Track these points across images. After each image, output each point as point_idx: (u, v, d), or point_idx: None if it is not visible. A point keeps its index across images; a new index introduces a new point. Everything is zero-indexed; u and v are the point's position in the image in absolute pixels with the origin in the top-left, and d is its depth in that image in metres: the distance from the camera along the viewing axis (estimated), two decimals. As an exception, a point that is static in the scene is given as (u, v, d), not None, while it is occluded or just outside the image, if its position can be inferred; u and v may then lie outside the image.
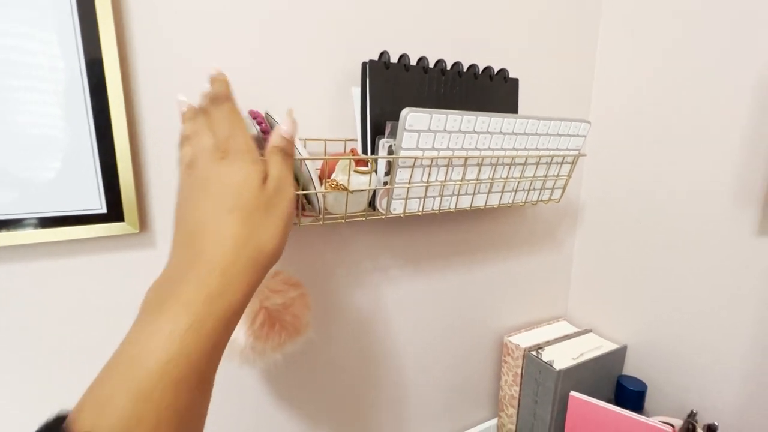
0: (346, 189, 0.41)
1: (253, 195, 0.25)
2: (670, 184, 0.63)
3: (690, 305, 0.62)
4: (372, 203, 0.47)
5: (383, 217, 0.46)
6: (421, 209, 0.49)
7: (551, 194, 0.60)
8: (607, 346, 0.69)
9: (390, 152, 0.45)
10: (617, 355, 0.69)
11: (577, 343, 0.70)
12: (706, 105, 0.58)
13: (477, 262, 0.67)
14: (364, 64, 0.46)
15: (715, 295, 0.59)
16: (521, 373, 0.67)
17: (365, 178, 0.43)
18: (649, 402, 0.66)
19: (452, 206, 0.51)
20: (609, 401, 0.69)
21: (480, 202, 0.53)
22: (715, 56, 0.56)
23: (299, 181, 0.39)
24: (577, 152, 0.58)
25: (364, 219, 0.45)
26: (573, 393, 0.62)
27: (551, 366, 0.62)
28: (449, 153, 0.46)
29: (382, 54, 0.47)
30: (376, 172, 0.45)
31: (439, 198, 0.49)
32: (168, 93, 0.41)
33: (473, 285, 0.68)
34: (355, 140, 0.50)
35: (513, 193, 0.55)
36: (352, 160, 0.40)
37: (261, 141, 0.35)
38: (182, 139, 0.28)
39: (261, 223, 0.25)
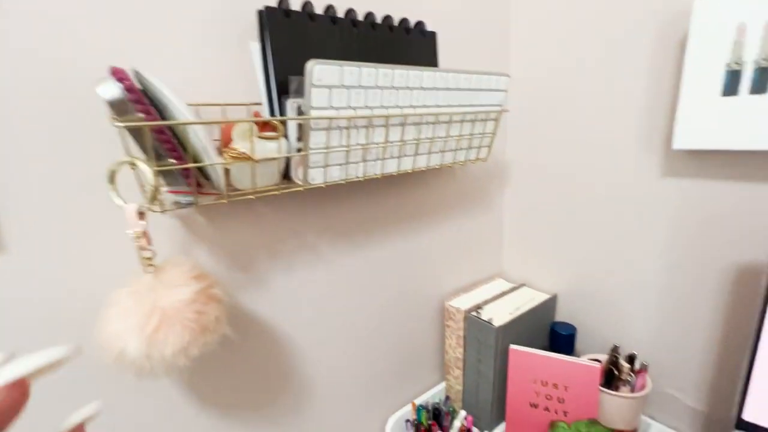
0: (249, 158, 0.35)
1: None
2: (586, 138, 0.65)
3: (608, 251, 0.66)
4: (287, 174, 0.42)
5: (302, 189, 0.41)
6: (344, 177, 0.44)
7: (478, 153, 0.59)
8: (539, 298, 0.72)
9: (300, 113, 0.39)
10: (549, 305, 0.72)
11: (512, 298, 0.72)
12: (613, 59, 0.60)
13: (412, 229, 0.65)
14: (260, 12, 0.40)
15: (629, 239, 0.63)
16: (464, 335, 0.68)
17: (273, 145, 0.37)
18: (579, 343, 0.70)
19: (378, 172, 0.47)
20: (544, 348, 0.72)
21: (407, 165, 0.50)
22: (620, 12, 0.58)
23: (188, 150, 0.33)
24: (499, 108, 0.57)
25: (279, 192, 0.40)
26: (512, 346, 0.63)
27: (490, 324, 0.63)
28: (368, 112, 0.42)
29: (281, 0, 0.41)
30: (286, 137, 0.40)
31: (363, 164, 0.45)
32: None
33: (410, 254, 0.66)
34: (262, 105, 0.44)
35: (440, 154, 0.53)
36: (253, 124, 0.35)
37: (125, 102, 0.28)
38: None
39: None
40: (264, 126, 0.38)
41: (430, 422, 0.65)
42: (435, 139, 0.50)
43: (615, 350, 0.64)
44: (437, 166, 0.54)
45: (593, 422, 0.58)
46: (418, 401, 0.68)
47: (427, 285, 0.70)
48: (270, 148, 0.37)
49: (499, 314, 0.66)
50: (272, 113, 0.41)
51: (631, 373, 0.59)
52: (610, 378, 0.60)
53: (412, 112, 0.46)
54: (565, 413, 0.61)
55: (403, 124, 0.46)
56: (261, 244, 0.49)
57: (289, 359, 0.54)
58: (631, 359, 0.60)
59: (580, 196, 0.68)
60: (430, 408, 0.69)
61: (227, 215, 0.45)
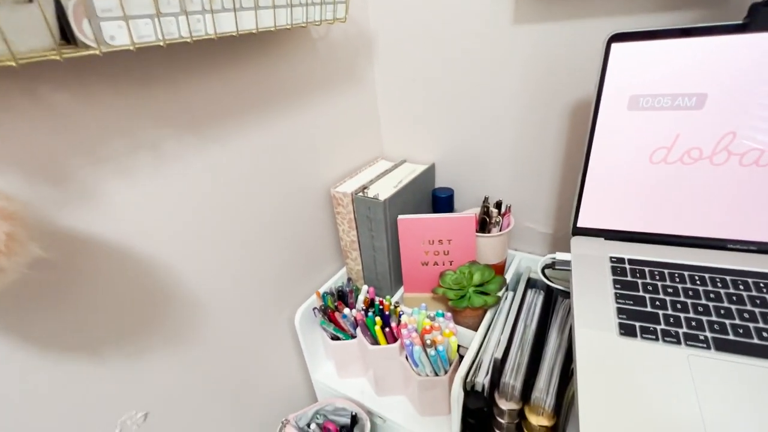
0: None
1: None
2: (445, -10, 0.62)
3: (473, 112, 0.69)
4: (66, 32, 0.30)
5: (99, 53, 0.30)
6: (160, 37, 0.34)
7: (334, 10, 0.52)
8: (419, 169, 0.74)
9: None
10: (428, 174, 0.76)
11: (395, 174, 0.74)
12: None
13: (279, 113, 0.57)
14: None
15: (489, 96, 0.66)
16: (354, 217, 0.68)
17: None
18: (457, 203, 0.77)
19: (210, 30, 0.37)
20: (428, 213, 0.78)
21: (248, 23, 0.41)
22: None
23: None
24: (349, -51, 0.48)
25: (60, 58, 0.29)
26: (400, 216, 0.66)
27: (377, 199, 0.63)
28: (168, -66, 0.31)
29: None
30: (41, -32, 0.27)
31: (184, 16, 0.35)
32: None
33: (283, 143, 0.59)
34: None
35: (287, 8, 0.44)
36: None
37: None
38: None
39: None
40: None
41: (336, 303, 0.67)
42: (277, -14, 0.41)
43: (485, 201, 0.71)
44: (287, 26, 0.45)
45: (473, 263, 0.67)
46: (321, 289, 0.69)
47: (309, 176, 0.66)
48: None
49: (384, 190, 0.67)
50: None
51: (499, 216, 0.68)
52: (483, 224, 0.68)
53: (235, -60, 0.35)
54: (450, 263, 0.68)
55: (227, -40, 0.36)
56: (72, 149, 0.37)
57: (161, 280, 0.47)
58: (498, 205, 0.69)
59: (444, 61, 0.67)
60: (334, 292, 0.71)
61: (5, 113, 0.32)
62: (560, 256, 0.55)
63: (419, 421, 0.63)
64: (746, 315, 0.43)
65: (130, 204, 0.42)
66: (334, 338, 0.67)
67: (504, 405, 0.50)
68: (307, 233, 0.68)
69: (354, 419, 0.63)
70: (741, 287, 0.46)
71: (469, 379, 0.52)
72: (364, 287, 0.69)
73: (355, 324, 0.64)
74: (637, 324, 0.45)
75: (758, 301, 0.44)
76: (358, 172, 0.75)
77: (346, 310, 0.64)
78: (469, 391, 0.52)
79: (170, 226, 0.46)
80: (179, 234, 0.48)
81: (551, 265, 0.55)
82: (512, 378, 0.50)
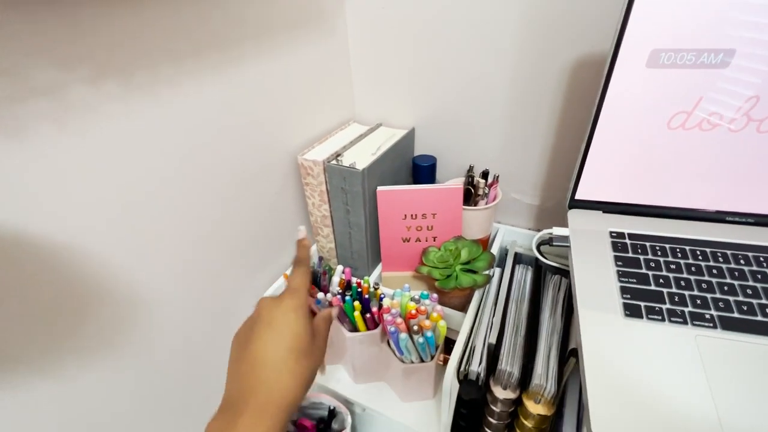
0: None
1: (306, 342, 0.32)
2: None
3: (459, 70, 0.61)
4: None
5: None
6: None
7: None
8: (398, 134, 0.66)
9: None
10: (408, 140, 0.68)
11: (371, 139, 0.65)
12: None
13: (231, 61, 0.46)
14: None
15: (477, 52, 0.58)
16: (327, 189, 0.59)
17: None
18: (439, 172, 0.70)
19: None
20: (409, 183, 0.71)
21: None
22: None
23: None
24: None
25: None
26: (379, 188, 0.58)
27: (354, 168, 0.55)
28: None
29: None
30: None
31: None
32: None
33: (237, 99, 0.48)
34: None
35: None
36: None
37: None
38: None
39: (311, 365, 0.32)
40: None
41: (307, 287, 0.60)
42: None
43: (470, 170, 0.65)
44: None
45: (458, 238, 0.61)
46: (289, 271, 0.61)
47: (271, 140, 0.55)
48: None
49: (361, 157, 0.58)
50: None
51: (486, 187, 0.62)
52: (468, 196, 0.62)
53: None
54: (434, 238, 0.62)
55: None
56: None
57: (78, 277, 0.36)
58: (484, 175, 0.63)
59: (425, 13, 0.58)
60: (304, 274, 0.63)
61: None
62: (557, 231, 0.51)
63: (401, 408, 0.59)
64: (749, 291, 0.42)
65: (26, 178, 0.31)
66: (306, 325, 0.60)
67: (500, 393, 0.47)
68: (270, 208, 0.59)
69: (332, 413, 0.58)
70: (742, 262, 0.44)
71: (462, 368, 0.47)
72: (339, 267, 0.61)
73: (331, 309, 0.57)
74: (642, 304, 0.42)
75: (759, 276, 0.43)
76: (329, 137, 0.65)
77: (320, 295, 0.57)
78: (462, 380, 0.48)
79: (90, 206, 0.35)
80: (104, 216, 0.37)
81: (548, 241, 0.51)
82: (509, 364, 0.46)
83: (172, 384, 0.49)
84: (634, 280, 0.44)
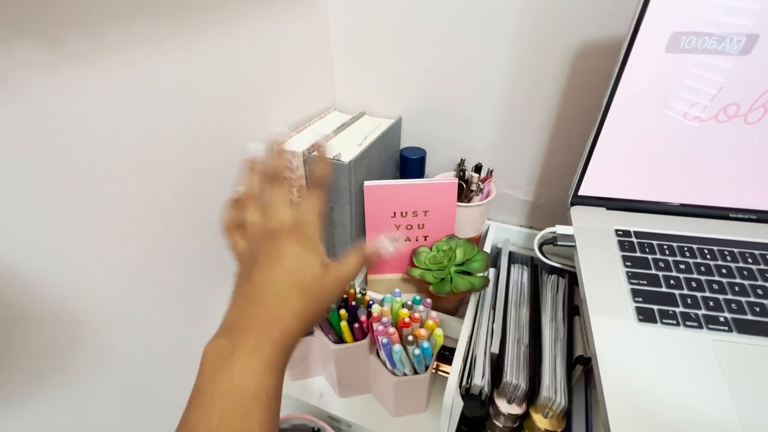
0: None
1: (313, 278, 0.30)
2: None
3: (452, 54, 0.56)
4: None
5: None
6: None
7: None
8: (385, 124, 0.61)
9: None
10: (395, 130, 0.62)
11: (355, 129, 0.59)
12: None
13: (193, 29, 0.38)
14: None
15: (472, 35, 0.53)
16: (307, 183, 0.53)
17: None
18: (428, 166, 0.65)
19: None
20: (395, 177, 0.66)
21: None
22: None
23: None
24: None
25: None
26: (366, 183, 0.53)
27: (340, 161, 0.49)
28: None
29: None
30: None
31: None
32: None
33: (202, 77, 0.41)
34: None
35: None
36: None
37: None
38: (246, 198, 0.34)
39: (315, 302, 0.30)
40: None
41: (285, 294, 0.53)
42: None
43: (462, 163, 0.61)
44: None
45: (451, 238, 0.57)
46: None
47: (241, 127, 0.48)
48: None
49: (347, 148, 0.52)
50: None
51: (480, 182, 0.58)
52: (460, 192, 0.58)
53: None
54: (425, 238, 0.57)
55: None
56: None
57: (21, 295, 0.28)
58: (477, 169, 0.58)
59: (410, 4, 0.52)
60: (281, 279, 0.56)
61: None
62: (561, 229, 0.47)
63: (392, 423, 0.54)
64: (759, 291, 0.40)
65: None
66: (285, 336, 0.54)
67: (504, 407, 0.43)
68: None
69: (316, 434, 0.52)
70: (749, 260, 0.43)
71: (464, 383, 0.43)
72: (321, 271, 0.55)
73: (313, 319, 0.51)
74: (655, 308, 0.39)
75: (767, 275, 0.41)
76: (308, 126, 0.59)
77: (301, 303, 0.50)
78: (464, 395, 0.43)
79: (12, 208, 0.27)
80: (32, 222, 0.29)
81: (551, 241, 0.48)
82: (514, 376, 0.42)
83: (139, 400, 0.42)
84: (645, 282, 0.41)
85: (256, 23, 0.46)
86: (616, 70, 0.39)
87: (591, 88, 0.50)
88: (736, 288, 0.40)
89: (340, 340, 0.50)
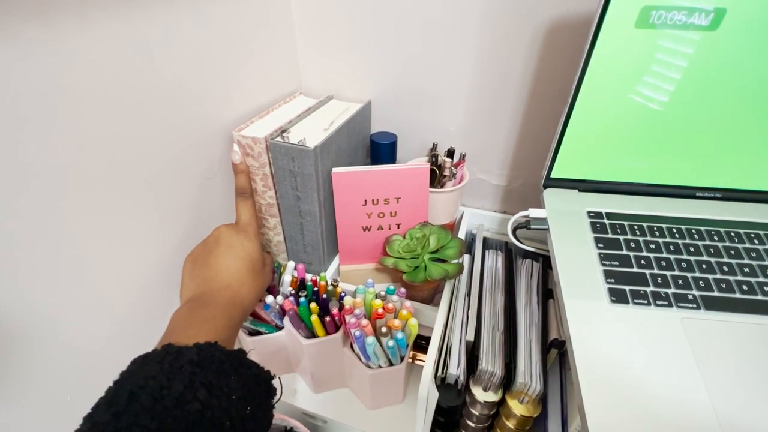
0: None
1: (259, 265, 0.43)
2: None
3: (421, 34, 0.54)
4: None
5: None
6: None
7: None
8: (353, 108, 0.58)
9: None
10: (364, 114, 0.60)
11: (322, 113, 0.56)
12: None
13: (136, 14, 0.34)
14: None
15: (440, 15, 0.51)
16: (271, 171, 0.50)
17: None
18: (400, 151, 0.63)
19: None
20: (366, 164, 0.63)
21: None
22: None
23: None
24: None
25: None
26: (334, 170, 0.50)
27: (304, 146, 0.46)
28: None
29: None
30: None
31: None
32: None
33: (151, 54, 0.37)
34: None
35: None
36: None
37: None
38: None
39: (257, 283, 0.42)
40: None
41: (252, 289, 0.50)
42: None
43: (434, 148, 0.59)
44: None
45: (424, 225, 0.55)
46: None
47: (198, 112, 0.44)
48: None
49: (312, 134, 0.49)
50: None
51: (453, 167, 0.56)
52: (432, 177, 0.56)
53: None
54: (398, 226, 0.56)
55: None
56: None
57: None
58: (450, 154, 0.57)
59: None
60: (248, 273, 0.53)
61: None
62: (534, 213, 0.46)
63: (369, 416, 0.53)
64: (725, 268, 0.41)
65: None
66: (253, 333, 0.51)
67: (480, 395, 0.42)
68: (197, 200, 0.48)
69: (289, 433, 0.50)
70: (715, 238, 0.43)
71: (440, 372, 0.42)
72: (290, 264, 0.53)
73: (282, 313, 0.49)
74: (627, 288, 0.40)
75: (732, 252, 0.42)
76: (271, 111, 0.55)
77: (269, 299, 0.48)
78: (439, 385, 0.42)
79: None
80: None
81: (524, 225, 0.47)
82: (490, 363, 0.42)
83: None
84: (617, 263, 0.41)
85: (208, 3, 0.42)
86: (587, 48, 0.38)
87: (563, 68, 0.49)
88: (704, 266, 0.41)
89: (311, 335, 0.48)
